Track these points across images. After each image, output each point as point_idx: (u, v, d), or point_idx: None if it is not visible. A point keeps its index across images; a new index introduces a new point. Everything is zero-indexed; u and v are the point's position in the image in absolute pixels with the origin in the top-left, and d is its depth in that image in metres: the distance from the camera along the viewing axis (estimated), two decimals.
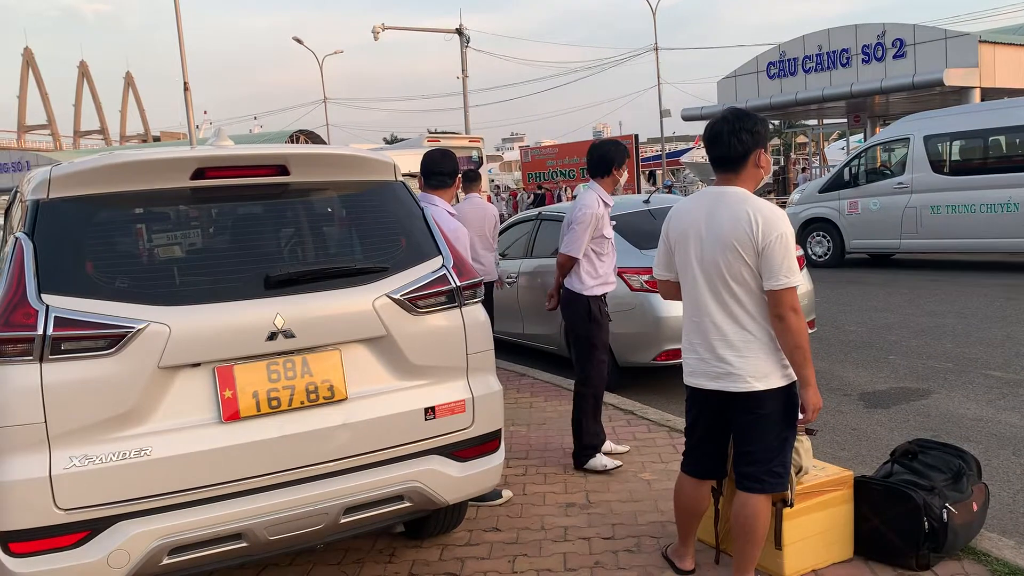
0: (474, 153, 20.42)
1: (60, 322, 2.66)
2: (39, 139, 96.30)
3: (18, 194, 3.45)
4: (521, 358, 7.99)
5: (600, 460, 4.78)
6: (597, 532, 3.96)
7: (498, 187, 35.14)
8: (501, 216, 8.22)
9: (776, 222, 3.00)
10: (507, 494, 4.47)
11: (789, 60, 26.16)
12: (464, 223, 5.01)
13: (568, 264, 4.83)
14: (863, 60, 24.23)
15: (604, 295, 4.92)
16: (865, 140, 22.40)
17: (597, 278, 4.85)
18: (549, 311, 5.27)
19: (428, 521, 3.83)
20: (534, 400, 6.52)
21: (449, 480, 3.25)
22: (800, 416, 3.09)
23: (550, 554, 3.76)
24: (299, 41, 44.40)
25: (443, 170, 4.88)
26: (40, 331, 2.64)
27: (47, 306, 2.68)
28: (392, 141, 45.23)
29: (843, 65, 24.71)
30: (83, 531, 2.68)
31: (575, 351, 5.01)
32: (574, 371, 5.08)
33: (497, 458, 3.45)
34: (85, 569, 2.68)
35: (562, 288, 4.93)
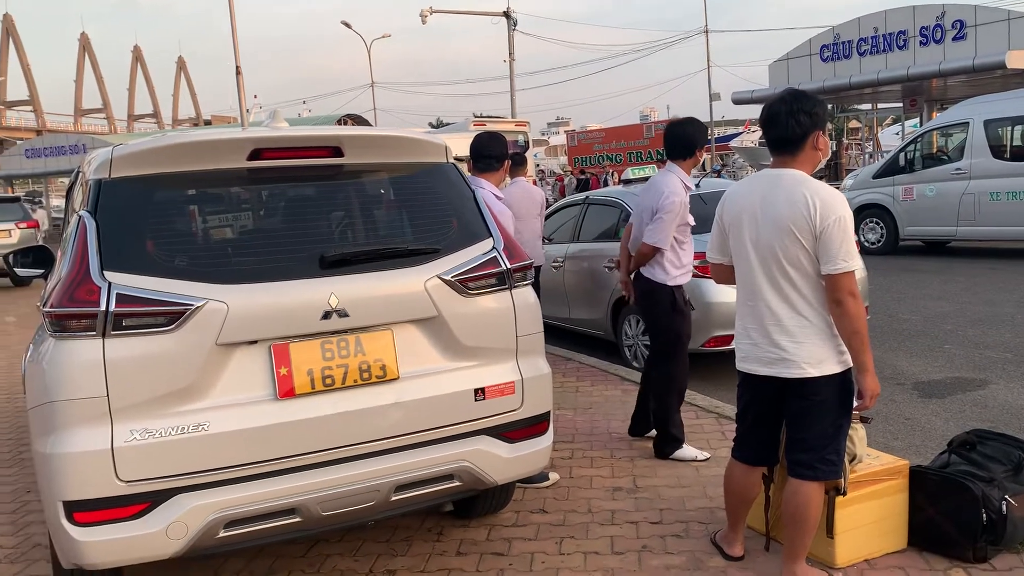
0: (520, 137, 20.35)
1: (122, 299, 2.73)
2: (95, 123, 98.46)
3: (80, 174, 3.53)
4: (567, 342, 7.98)
5: (690, 451, 4.69)
6: (644, 516, 3.95)
7: (543, 172, 34.99)
8: (547, 201, 8.20)
9: (835, 205, 2.94)
10: (554, 476, 4.48)
11: (843, 43, 25.56)
12: (511, 207, 5.00)
13: (651, 254, 4.69)
14: (921, 42, 23.57)
15: (684, 285, 4.80)
16: (921, 125, 21.84)
17: (680, 268, 4.72)
18: (631, 303, 5.09)
19: (476, 501, 3.87)
20: (580, 384, 6.51)
21: (498, 460, 3.26)
22: (857, 402, 3.04)
23: (597, 537, 3.77)
24: (347, 25, 44.67)
25: (491, 153, 4.85)
26: (103, 307, 2.71)
27: (109, 283, 2.75)
28: (438, 125, 45.32)
29: (900, 47, 24.06)
30: (143, 503, 2.75)
31: (657, 343, 4.87)
32: (648, 362, 4.99)
33: (545, 440, 3.46)
34: (145, 540, 2.75)
35: (640, 278, 4.79)
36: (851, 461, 3.34)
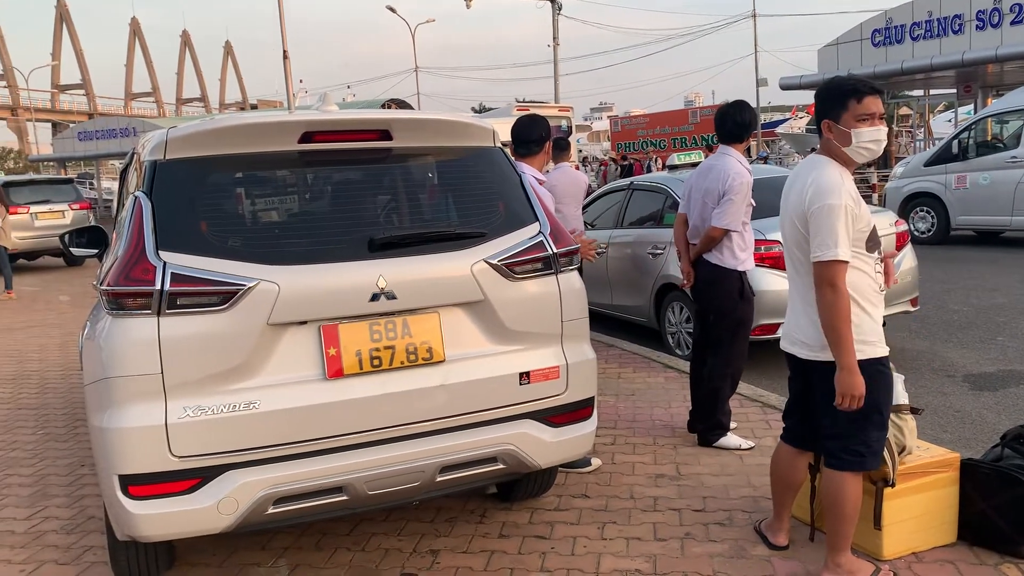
0: (563, 122, 20.24)
1: (176, 278, 2.78)
2: (144, 106, 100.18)
3: (135, 156, 3.60)
4: (608, 329, 7.96)
5: (733, 439, 4.65)
6: (687, 504, 3.94)
7: (585, 158, 34.80)
8: (589, 187, 8.15)
9: (825, 191, 2.92)
10: (596, 462, 4.48)
11: (896, 27, 24.94)
12: (554, 192, 4.98)
13: (720, 238, 4.62)
14: (977, 26, 22.89)
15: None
16: (976, 111, 21.25)
17: (747, 250, 4.67)
18: (687, 287, 5.03)
19: (519, 484, 3.89)
20: (622, 371, 6.49)
21: (542, 444, 3.27)
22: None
23: (639, 523, 3.77)
24: (392, 10, 44.77)
25: (531, 137, 4.81)
26: (158, 286, 2.77)
27: (164, 262, 2.81)
28: (481, 110, 45.31)
29: (955, 32, 23.40)
30: (195, 478, 2.81)
31: (717, 329, 4.75)
32: (696, 346, 4.96)
33: (589, 425, 3.46)
34: (196, 514, 2.82)
35: (701, 264, 4.72)
36: (900, 452, 3.29)
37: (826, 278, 2.89)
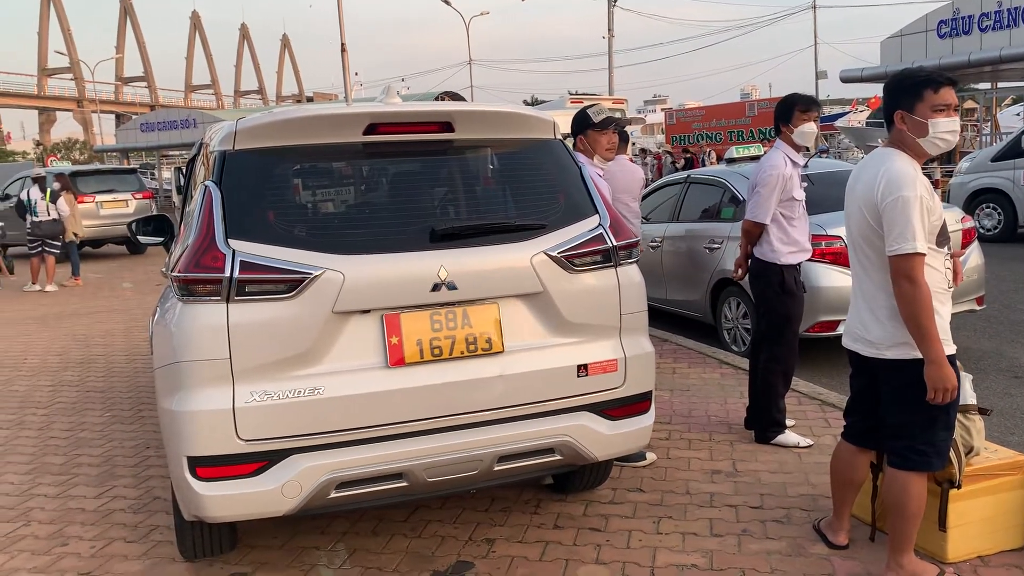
0: (617, 115, 20.13)
1: (245, 266, 2.85)
2: (203, 98, 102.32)
3: (203, 146, 3.69)
4: (663, 323, 7.90)
5: (791, 437, 4.60)
6: (744, 500, 3.90)
7: (643, 149, 34.49)
8: (647, 181, 8.09)
9: (898, 183, 2.86)
10: (651, 456, 4.46)
11: (963, 17, 24.19)
12: (612, 185, 4.94)
13: (755, 231, 4.60)
14: None
15: (798, 264, 4.67)
16: None
17: (790, 244, 4.59)
18: (737, 280, 5.08)
19: (574, 476, 3.90)
20: (677, 366, 6.45)
21: (599, 437, 3.28)
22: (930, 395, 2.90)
23: (695, 519, 3.74)
24: (447, 2, 44.93)
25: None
26: (227, 273, 2.84)
27: (233, 251, 2.88)
28: (534, 103, 45.28)
29: None
30: (261, 461, 2.88)
31: (764, 324, 4.75)
32: (754, 343, 4.92)
33: (647, 419, 3.45)
34: (261, 496, 2.89)
35: (751, 257, 4.72)
36: (967, 453, 3.21)
37: (904, 272, 2.84)
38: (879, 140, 3.14)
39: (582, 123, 4.65)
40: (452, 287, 3.04)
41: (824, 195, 6.14)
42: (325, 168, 3.38)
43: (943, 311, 2.98)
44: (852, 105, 54.44)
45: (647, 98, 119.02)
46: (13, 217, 14.71)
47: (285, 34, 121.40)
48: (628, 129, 6.98)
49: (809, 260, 4.97)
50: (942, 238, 2.98)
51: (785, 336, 4.67)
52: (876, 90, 34.79)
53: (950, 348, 2.94)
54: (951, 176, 15.56)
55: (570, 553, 3.48)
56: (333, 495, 2.95)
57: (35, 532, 3.95)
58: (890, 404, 3.05)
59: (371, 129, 3.15)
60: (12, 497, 4.41)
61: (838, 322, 6.11)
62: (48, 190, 13.03)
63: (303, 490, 2.89)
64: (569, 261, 3.25)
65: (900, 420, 3.02)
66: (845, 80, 27.89)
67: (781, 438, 4.60)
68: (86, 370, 7.40)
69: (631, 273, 3.43)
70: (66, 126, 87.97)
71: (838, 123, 49.92)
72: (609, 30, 32.97)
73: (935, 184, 19.23)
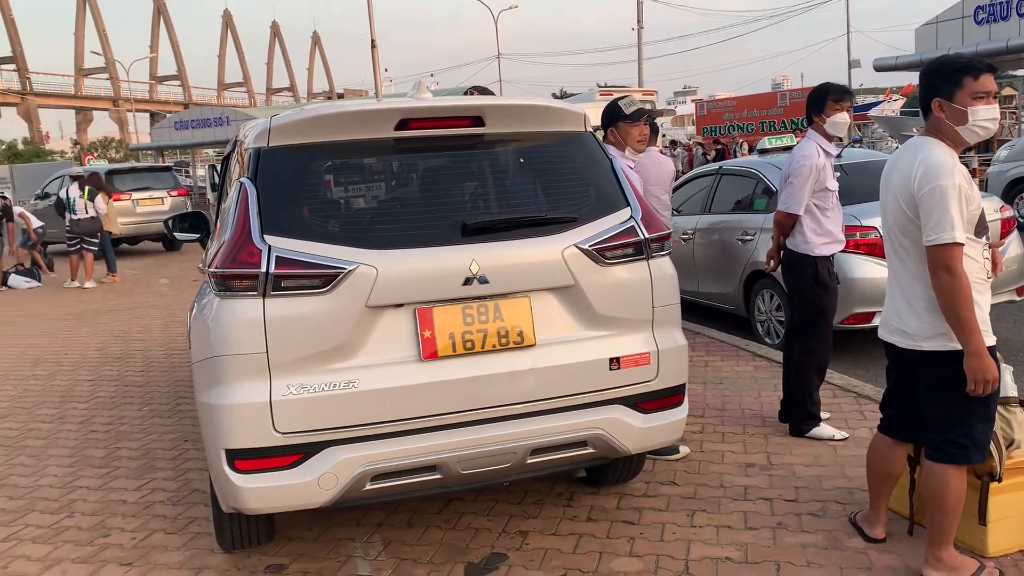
0: (648, 107, 20.01)
1: (281, 261, 2.89)
2: (235, 96, 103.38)
3: (238, 144, 3.73)
4: (695, 316, 7.86)
5: (826, 430, 4.56)
6: (779, 494, 3.88)
7: (672, 141, 34.27)
8: (677, 173, 8.04)
9: (936, 172, 2.82)
10: (684, 450, 4.45)
11: (1001, 3, 23.67)
12: (643, 177, 4.91)
13: (787, 222, 4.56)
14: None
15: (832, 256, 4.62)
16: None
17: (823, 235, 4.53)
18: (769, 272, 5.06)
19: (607, 469, 3.90)
20: (709, 359, 6.42)
21: (632, 430, 3.27)
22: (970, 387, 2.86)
23: (729, 512, 3.73)
24: None
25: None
26: (263, 269, 2.88)
27: (269, 246, 2.91)
28: (562, 96, 45.11)
29: None
30: (297, 454, 2.92)
31: (798, 316, 4.71)
32: (787, 335, 4.89)
33: (680, 412, 3.44)
34: (298, 488, 2.93)
35: (784, 249, 4.67)
36: (1008, 446, 3.17)
37: (942, 262, 2.81)
38: (914, 129, 3.09)
39: (613, 115, 4.63)
40: (484, 281, 3.05)
41: (858, 185, 6.06)
42: (357, 164, 3.41)
43: (982, 301, 2.94)
44: (886, 94, 53.54)
45: (677, 89, 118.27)
46: (52, 215, 15.01)
47: (316, 31, 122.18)
48: (658, 121, 6.92)
49: (843, 251, 4.92)
50: (980, 228, 2.94)
51: (819, 328, 4.62)
52: (910, 78, 34.23)
53: (990, 339, 2.90)
54: (989, 165, 15.26)
55: (604, 546, 3.49)
56: (368, 487, 2.98)
57: (78, 523, 4.03)
58: (928, 396, 3.02)
59: (403, 124, 3.17)
60: (56, 489, 4.51)
61: (873, 314, 6.04)
62: (86, 188, 13.26)
63: (339, 482, 2.92)
64: (600, 254, 3.25)
65: (938, 412, 2.98)
66: (879, 68, 27.44)
67: (816, 431, 4.56)
68: (125, 365, 7.53)
69: (664, 266, 3.42)
70: (102, 125, 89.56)
71: (871, 112, 49.15)
72: (639, 21, 32.76)
73: (973, 173, 18.91)
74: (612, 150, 4.58)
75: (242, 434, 2.89)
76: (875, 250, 5.99)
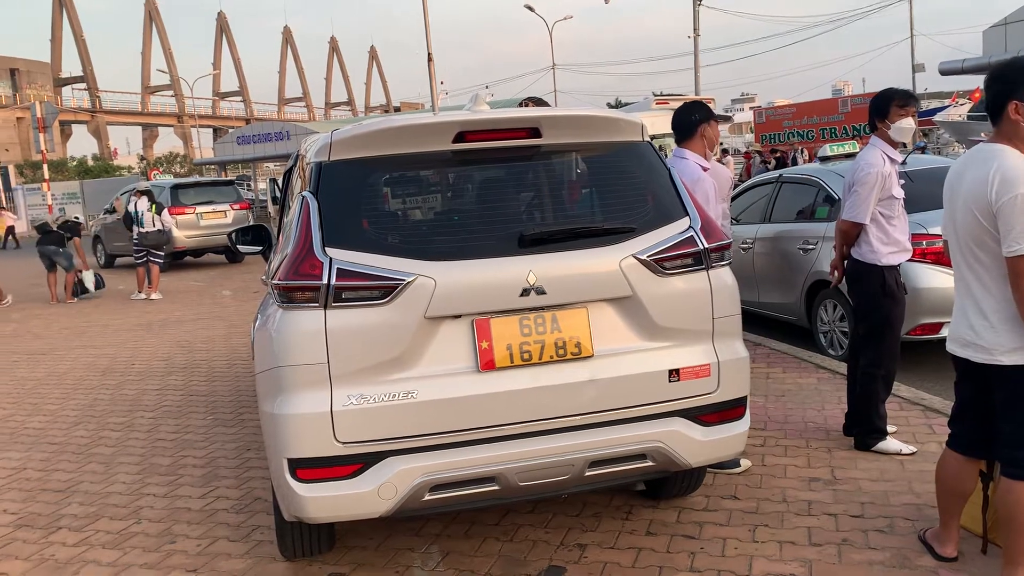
0: None
1: (342, 273, 2.93)
2: (295, 111, 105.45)
3: (300, 158, 3.80)
4: (755, 327, 7.73)
5: (893, 444, 4.44)
6: (844, 509, 3.78)
7: (726, 150, 33.91)
8: (737, 182, 7.94)
9: (1014, 181, 2.72)
10: (746, 463, 4.37)
11: None
12: None
13: (853, 231, 4.45)
14: None
15: (899, 265, 4.51)
16: None
17: (890, 244, 4.42)
18: (833, 286, 4.98)
19: (667, 482, 3.86)
20: (771, 371, 6.30)
21: (692, 443, 3.23)
22: None
23: (793, 527, 3.65)
24: (531, 8, 45.18)
25: (687, 121, 4.73)
26: (325, 281, 2.92)
27: (330, 259, 2.96)
28: (617, 105, 44.99)
29: None
30: (358, 463, 2.95)
31: (863, 327, 4.59)
32: (852, 347, 4.79)
33: (742, 425, 3.38)
34: (358, 498, 2.95)
35: (848, 258, 4.57)
36: None
37: (1023, 273, 2.72)
38: (982, 134, 2.99)
39: (708, 114, 4.63)
40: (541, 292, 3.05)
41: (924, 193, 5.90)
42: (416, 176, 3.45)
43: None
44: (952, 99, 52.14)
45: (734, 96, 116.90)
46: (120, 229, 15.48)
47: (372, 46, 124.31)
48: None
49: (909, 260, 4.79)
50: None
51: (886, 340, 4.50)
52: (977, 82, 33.26)
53: None
54: None
55: (664, 560, 3.44)
56: (427, 497, 2.99)
57: (145, 530, 4.14)
58: (1005, 411, 2.92)
59: (460, 137, 3.19)
60: (124, 496, 4.64)
61: (941, 324, 5.88)
62: (153, 203, 13.65)
63: (398, 492, 2.94)
64: (659, 264, 3.22)
65: (1016, 428, 2.88)
66: (944, 72, 26.73)
67: (882, 445, 4.44)
68: (189, 375, 7.72)
69: (723, 276, 3.37)
70: (167, 140, 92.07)
71: (937, 117, 47.89)
72: (695, 29, 32.53)
73: None
74: (686, 151, 4.55)
75: (304, 443, 2.93)
76: (942, 259, 5.82)
